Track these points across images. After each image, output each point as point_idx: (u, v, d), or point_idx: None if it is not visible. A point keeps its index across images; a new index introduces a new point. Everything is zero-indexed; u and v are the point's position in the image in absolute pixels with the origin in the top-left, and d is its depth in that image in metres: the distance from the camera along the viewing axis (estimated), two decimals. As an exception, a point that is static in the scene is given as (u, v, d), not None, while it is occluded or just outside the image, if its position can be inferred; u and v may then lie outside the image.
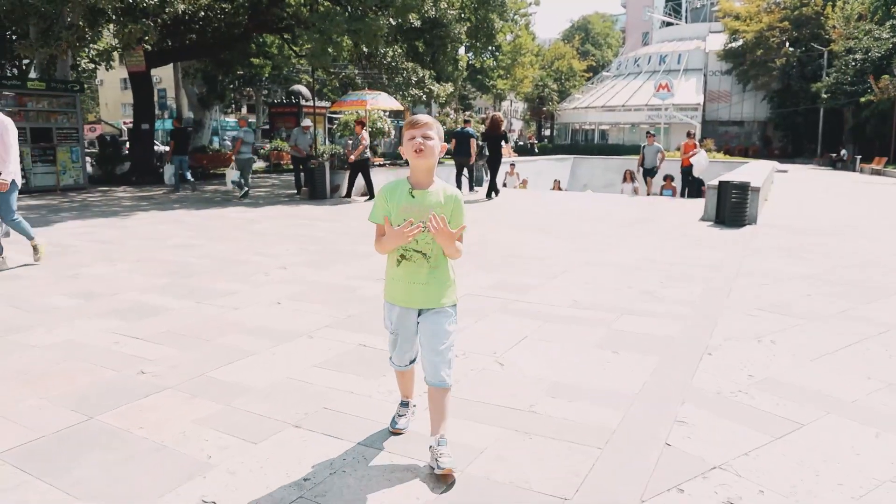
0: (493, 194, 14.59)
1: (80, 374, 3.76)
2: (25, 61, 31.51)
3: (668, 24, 63.58)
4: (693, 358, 4.06)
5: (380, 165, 19.44)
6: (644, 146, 16.48)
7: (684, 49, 54.98)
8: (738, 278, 6.41)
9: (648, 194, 17.01)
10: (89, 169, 19.33)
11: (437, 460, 2.58)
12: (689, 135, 16.97)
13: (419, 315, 2.72)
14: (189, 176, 17.13)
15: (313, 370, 3.79)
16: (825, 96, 40.16)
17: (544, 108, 59.20)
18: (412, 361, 2.86)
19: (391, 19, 17.38)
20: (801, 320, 4.92)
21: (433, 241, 2.62)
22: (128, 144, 23.52)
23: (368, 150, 14.00)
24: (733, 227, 10.12)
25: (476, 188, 16.43)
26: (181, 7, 13.18)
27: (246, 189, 14.79)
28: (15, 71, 31.11)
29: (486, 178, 15.77)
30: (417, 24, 18.31)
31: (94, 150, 22.81)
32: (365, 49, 18.67)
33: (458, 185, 14.78)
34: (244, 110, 53.05)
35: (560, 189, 22.48)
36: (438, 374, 2.66)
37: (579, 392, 3.49)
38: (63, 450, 2.84)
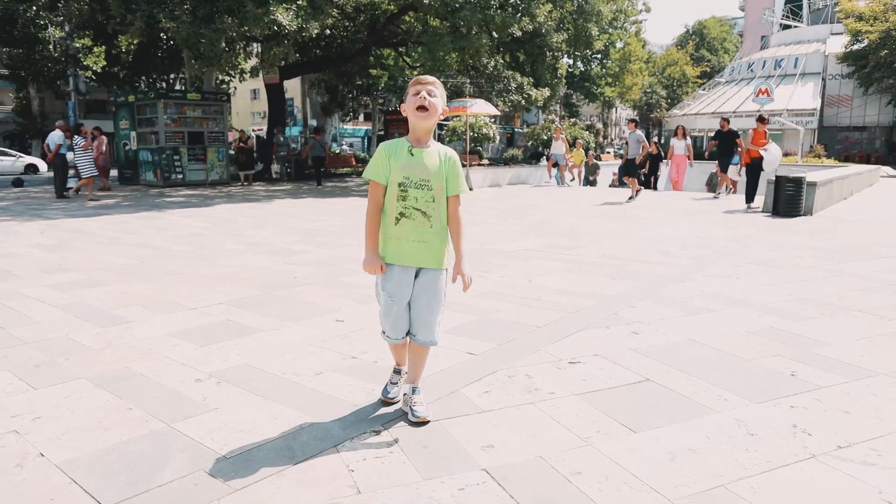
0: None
1: (256, 277, 5.92)
2: (172, 75, 36.36)
3: (787, 26, 61.75)
4: (669, 282, 5.68)
5: (479, 165, 21.64)
6: (627, 133, 14.94)
7: (801, 52, 53.40)
8: (751, 246, 7.81)
9: (636, 193, 14.40)
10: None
11: (412, 409, 2.83)
12: (761, 119, 13.17)
13: (416, 276, 2.78)
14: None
15: (402, 278, 5.74)
16: (953, 99, 38.30)
17: (652, 115, 59.32)
18: (407, 333, 2.83)
19: (494, 33, 19.36)
20: (775, 269, 6.36)
21: (433, 200, 2.71)
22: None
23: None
24: (786, 218, 11.20)
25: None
26: (315, 31, 15.73)
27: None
28: (164, 84, 35.92)
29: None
30: (518, 34, 20.06)
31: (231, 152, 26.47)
32: (470, 61, 20.78)
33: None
34: (361, 118, 56.91)
35: (658, 150, 19.60)
36: (432, 333, 2.80)
37: (574, 293, 5.25)
38: (255, 302, 4.96)
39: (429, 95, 2.66)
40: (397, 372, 3.05)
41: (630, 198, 14.30)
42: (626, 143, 14.87)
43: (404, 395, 2.94)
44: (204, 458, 2.49)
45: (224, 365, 3.56)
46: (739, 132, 15.50)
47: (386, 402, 3.02)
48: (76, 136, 14.66)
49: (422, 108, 2.65)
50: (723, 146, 14.84)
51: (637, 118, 16.14)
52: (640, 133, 14.36)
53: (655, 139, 61.84)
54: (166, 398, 3.10)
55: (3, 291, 5.38)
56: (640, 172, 18.72)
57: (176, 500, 2.21)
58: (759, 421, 2.83)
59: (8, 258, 6.98)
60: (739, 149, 14.68)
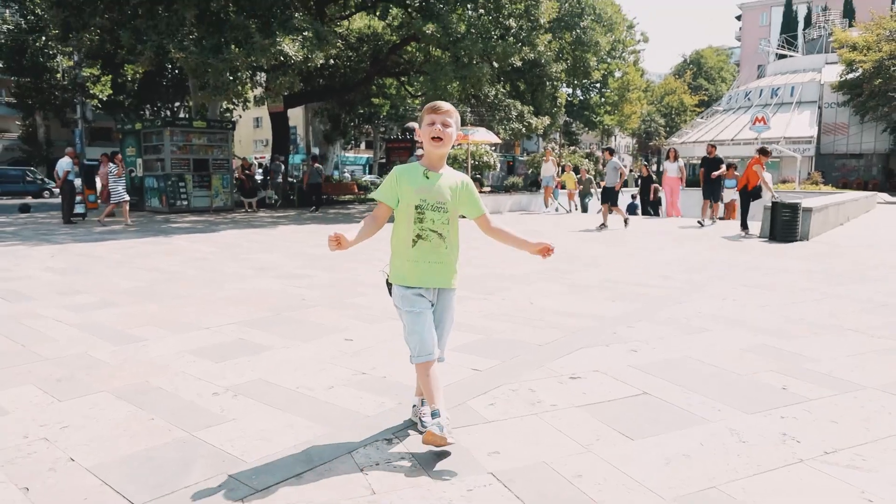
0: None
1: (266, 300, 6.08)
2: (176, 104, 36.95)
3: (783, 56, 62.67)
4: (666, 303, 5.84)
5: (480, 192, 21.98)
6: (604, 162, 14.88)
7: (797, 81, 54.14)
8: (747, 270, 7.98)
9: (603, 223, 14.14)
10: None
11: (421, 420, 2.89)
12: (763, 152, 13.14)
13: (433, 295, 2.87)
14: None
15: (408, 300, 5.91)
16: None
17: (651, 143, 59.93)
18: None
19: (494, 63, 19.75)
20: (770, 291, 6.53)
21: (448, 222, 2.82)
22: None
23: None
24: (782, 243, 11.37)
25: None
26: (320, 61, 16.10)
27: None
28: (168, 112, 36.49)
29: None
30: (518, 64, 20.42)
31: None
32: (472, 90, 21.17)
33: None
34: (363, 146, 57.58)
35: (648, 173, 20.40)
36: (443, 351, 2.94)
37: (575, 315, 5.41)
38: (266, 322, 5.12)
39: (444, 126, 2.78)
40: (436, 415, 2.67)
41: (602, 225, 14.10)
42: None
43: (413, 406, 3.07)
44: (226, 463, 2.64)
45: (239, 380, 3.71)
46: (738, 161, 15.57)
47: (439, 442, 2.63)
48: (110, 164, 15.05)
49: (437, 138, 2.78)
50: (708, 173, 14.87)
51: (612, 147, 16.27)
52: (616, 161, 14.22)
53: (655, 166, 62.40)
54: (186, 409, 3.25)
55: (19, 311, 5.54)
56: (632, 197, 19.01)
57: (202, 500, 2.36)
58: (750, 429, 2.98)
59: (21, 280, 7.16)
60: (722, 174, 14.87)
